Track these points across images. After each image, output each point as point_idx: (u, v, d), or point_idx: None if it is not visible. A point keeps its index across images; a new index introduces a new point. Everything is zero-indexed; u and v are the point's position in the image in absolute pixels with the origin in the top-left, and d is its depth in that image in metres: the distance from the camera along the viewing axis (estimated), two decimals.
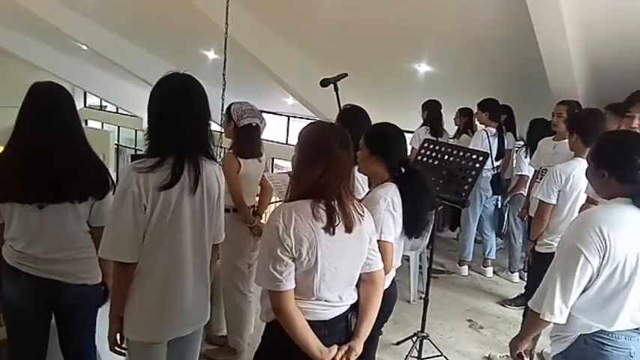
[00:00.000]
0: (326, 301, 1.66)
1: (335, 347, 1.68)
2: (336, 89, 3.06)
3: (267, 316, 1.68)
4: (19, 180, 1.92)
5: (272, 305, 1.62)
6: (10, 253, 2.01)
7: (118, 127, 16.01)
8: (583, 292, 1.78)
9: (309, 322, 1.63)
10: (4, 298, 2.05)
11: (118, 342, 1.86)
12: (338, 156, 1.62)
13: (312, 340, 1.62)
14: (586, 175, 1.97)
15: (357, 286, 1.78)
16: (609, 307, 1.78)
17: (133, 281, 1.80)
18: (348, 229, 1.64)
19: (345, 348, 1.69)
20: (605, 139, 1.99)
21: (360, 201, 1.83)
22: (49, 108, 1.99)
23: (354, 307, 1.77)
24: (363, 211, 1.74)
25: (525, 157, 4.55)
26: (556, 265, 1.81)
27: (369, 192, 2.22)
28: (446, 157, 3.04)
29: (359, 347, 1.73)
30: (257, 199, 3.24)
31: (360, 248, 1.71)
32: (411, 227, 2.17)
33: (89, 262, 2.09)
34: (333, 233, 1.60)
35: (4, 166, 1.95)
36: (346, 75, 3.14)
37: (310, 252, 1.58)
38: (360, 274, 1.76)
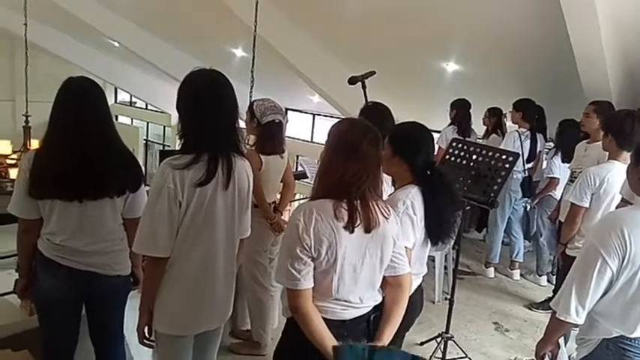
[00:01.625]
0: (345, 301, 1.65)
1: None
2: (363, 87, 3.05)
3: (288, 312, 1.68)
4: (61, 179, 1.96)
5: (289, 303, 1.61)
6: (48, 246, 2.05)
7: (147, 123, 16.28)
8: (604, 295, 1.75)
9: (327, 320, 1.62)
10: (39, 289, 2.10)
11: (147, 335, 1.89)
12: (365, 154, 1.59)
13: (329, 340, 1.60)
14: (627, 172, 1.92)
15: (383, 288, 1.76)
16: (630, 312, 1.74)
17: (165, 275, 1.83)
18: (369, 230, 1.61)
19: None
20: None
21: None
22: (85, 104, 2.01)
23: (378, 309, 1.74)
24: (389, 213, 1.71)
25: (552, 157, 4.46)
26: (575, 266, 1.80)
27: (390, 194, 2.17)
28: (474, 156, 3.00)
29: None
30: (278, 195, 3.26)
31: (383, 250, 1.67)
32: (434, 233, 2.10)
33: (122, 253, 2.15)
34: (352, 232, 1.58)
35: (43, 163, 1.97)
36: (374, 73, 3.12)
37: (330, 252, 1.56)
38: (386, 277, 1.74)
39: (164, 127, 15.60)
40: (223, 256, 1.91)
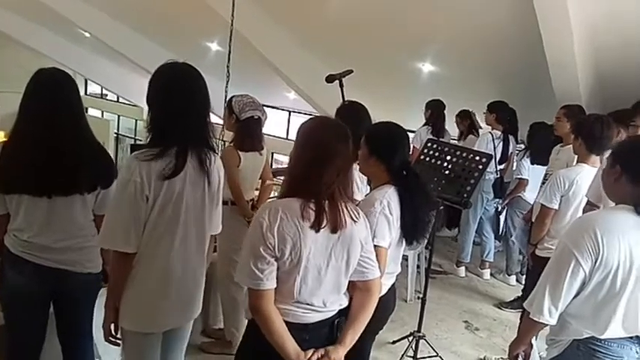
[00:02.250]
0: (308, 304, 1.60)
1: (311, 351, 1.60)
2: (341, 85, 3.05)
3: (248, 314, 1.63)
4: (30, 172, 1.89)
5: (250, 304, 1.56)
6: (15, 243, 1.98)
7: (118, 116, 15.95)
8: (576, 296, 1.77)
9: (289, 323, 1.57)
10: (6, 286, 2.03)
11: (113, 332, 1.85)
12: (334, 153, 1.55)
13: (289, 343, 1.56)
14: (602, 175, 1.93)
15: (350, 292, 1.71)
16: (601, 313, 1.76)
17: (132, 271, 1.79)
18: (336, 231, 1.57)
19: (321, 352, 1.61)
20: (630, 141, 1.99)
21: (357, 204, 1.77)
22: (58, 97, 1.95)
23: (343, 313, 1.70)
24: (358, 215, 1.66)
25: (522, 159, 4.55)
26: (549, 267, 1.82)
27: (367, 194, 2.16)
28: (449, 157, 3.03)
29: (337, 354, 1.63)
30: (256, 193, 3.23)
31: (350, 253, 1.62)
32: (410, 233, 2.10)
33: (94, 250, 2.09)
34: (318, 231, 1.54)
35: (12, 156, 1.90)
36: (352, 71, 3.12)
37: (294, 252, 1.52)
38: (355, 282, 1.69)
39: (136, 120, 15.31)
40: (192, 252, 1.88)
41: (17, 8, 9.09)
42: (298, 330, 1.59)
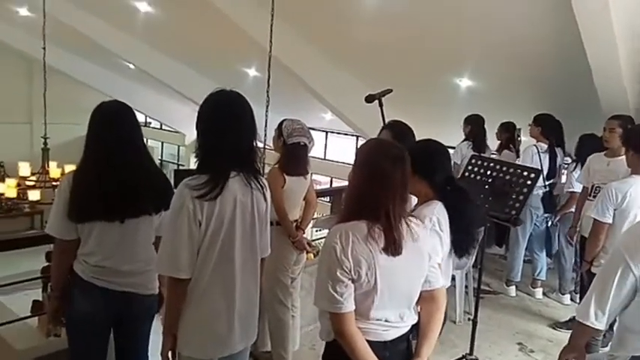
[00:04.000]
0: (386, 321, 1.63)
1: None
2: (380, 105, 3.03)
3: (327, 336, 1.65)
4: (103, 200, 1.98)
5: (333, 327, 1.59)
6: (85, 268, 2.05)
7: (162, 143, 16.46)
8: (630, 305, 1.70)
9: (370, 342, 1.59)
10: (75, 311, 2.09)
11: (170, 358, 1.87)
12: (390, 177, 1.58)
13: None
14: None
15: (417, 304, 1.74)
16: None
17: (188, 296, 1.81)
18: (401, 250, 1.59)
19: None
20: None
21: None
22: (121, 128, 2.06)
23: (415, 328, 1.73)
24: (423, 231, 1.70)
25: (572, 172, 4.39)
26: (600, 271, 1.80)
27: (413, 210, 2.16)
28: (495, 173, 2.96)
29: None
30: (300, 213, 3.25)
31: (419, 266, 1.66)
32: (460, 246, 2.11)
33: (154, 272, 2.15)
34: (391, 254, 1.56)
35: (83, 188, 1.99)
36: (391, 91, 3.11)
37: (369, 273, 1.55)
38: (421, 292, 1.72)
39: (178, 146, 15.76)
40: (246, 275, 1.90)
41: (62, 42, 9.58)
42: (378, 348, 1.62)
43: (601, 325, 1.74)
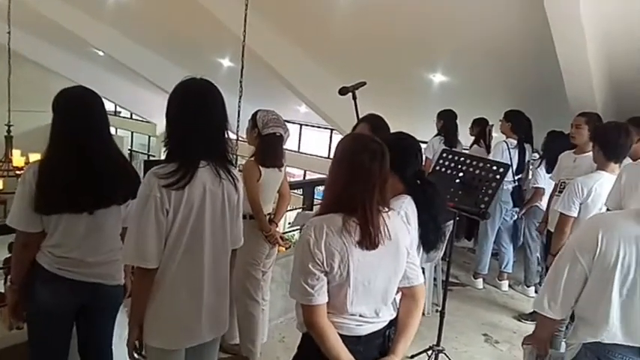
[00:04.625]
0: (360, 316, 1.63)
1: None
2: (354, 97, 3.04)
3: (302, 327, 1.66)
4: (70, 191, 1.92)
5: (304, 319, 1.60)
6: (50, 260, 1.99)
7: (132, 133, 16.15)
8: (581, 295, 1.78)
9: (343, 336, 1.60)
10: (37, 303, 2.02)
11: (137, 348, 1.84)
12: (369, 172, 1.58)
13: (345, 356, 1.58)
14: None
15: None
16: (597, 314, 1.75)
17: (155, 286, 1.78)
18: (378, 244, 1.59)
19: None
20: None
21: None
22: (89, 117, 2.00)
23: (393, 324, 1.73)
24: (402, 225, 1.71)
25: (538, 168, 4.50)
26: (553, 263, 1.87)
27: None
28: (465, 167, 3.00)
29: None
30: (274, 206, 3.23)
31: (396, 262, 1.66)
32: (429, 240, 2.13)
33: (120, 262, 2.11)
34: (366, 248, 1.57)
35: (50, 178, 1.92)
36: (365, 84, 3.11)
37: (342, 266, 1.55)
38: (401, 289, 1.73)
39: (149, 136, 15.50)
40: (215, 265, 1.88)
41: (29, 27, 9.27)
42: (352, 342, 1.62)
43: (554, 314, 1.82)
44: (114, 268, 2.09)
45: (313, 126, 12.19)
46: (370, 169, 1.59)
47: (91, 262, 2.02)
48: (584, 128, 3.70)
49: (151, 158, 14.40)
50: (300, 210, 4.75)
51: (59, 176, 1.92)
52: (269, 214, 3.09)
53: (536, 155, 5.11)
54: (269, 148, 2.93)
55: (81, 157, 1.94)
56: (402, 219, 1.93)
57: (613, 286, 1.70)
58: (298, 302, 1.62)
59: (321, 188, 6.38)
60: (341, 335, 1.60)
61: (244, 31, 4.09)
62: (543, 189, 4.44)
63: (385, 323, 1.70)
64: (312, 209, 4.72)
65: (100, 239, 2.04)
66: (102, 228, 2.03)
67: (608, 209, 2.81)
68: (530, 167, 4.90)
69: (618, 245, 1.68)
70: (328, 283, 1.57)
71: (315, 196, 5.03)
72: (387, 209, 1.66)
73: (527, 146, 4.76)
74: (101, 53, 9.98)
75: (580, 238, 1.80)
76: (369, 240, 1.57)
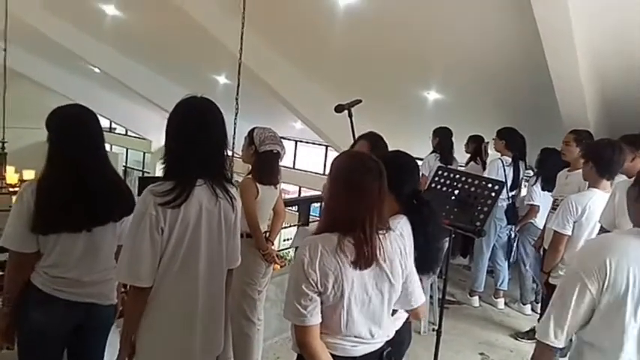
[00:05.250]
0: (355, 337, 1.61)
1: None
2: (350, 115, 3.04)
3: (297, 347, 1.63)
4: (71, 209, 1.91)
5: (296, 340, 1.57)
6: (45, 280, 1.96)
7: (127, 150, 16.13)
8: (589, 322, 1.70)
9: (337, 357, 1.58)
10: (30, 324, 1.98)
11: None
12: (366, 190, 1.56)
13: None
14: (628, 207, 1.87)
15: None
16: (610, 342, 1.68)
17: (148, 305, 1.76)
18: (374, 264, 1.58)
19: None
20: None
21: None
22: (85, 131, 1.99)
23: (390, 344, 1.71)
24: (399, 246, 1.68)
25: (533, 185, 4.51)
26: (557, 290, 1.78)
27: None
28: (460, 184, 3.00)
29: None
30: (269, 224, 3.21)
31: (391, 283, 1.64)
32: (424, 262, 2.04)
33: (114, 281, 2.09)
34: (360, 268, 1.55)
35: (48, 197, 1.90)
36: (360, 101, 3.13)
37: (336, 286, 1.53)
38: (406, 311, 1.74)
39: (144, 153, 15.48)
40: (210, 285, 1.86)
41: (24, 44, 9.31)
42: None
43: (560, 343, 1.73)
44: (108, 287, 2.07)
45: (308, 142, 12.23)
46: (368, 189, 1.57)
47: (86, 282, 1.99)
48: (572, 145, 3.76)
49: (146, 175, 14.35)
50: (296, 227, 4.73)
51: (57, 195, 1.90)
52: (265, 232, 3.07)
53: (530, 172, 5.13)
54: (266, 165, 2.93)
55: (78, 175, 1.93)
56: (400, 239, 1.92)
57: (626, 312, 1.64)
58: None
59: (317, 205, 6.39)
60: (335, 356, 1.58)
61: (241, 48, 4.11)
62: (538, 206, 4.45)
63: (381, 344, 1.68)
64: (308, 225, 4.70)
65: (96, 258, 2.01)
66: (99, 247, 2.01)
67: (602, 227, 2.80)
68: (524, 184, 4.92)
69: (627, 270, 1.62)
70: (322, 303, 1.55)
71: (311, 213, 5.00)
72: (384, 230, 1.64)
73: (521, 163, 4.78)
74: (97, 70, 10.02)
75: (586, 264, 1.68)
76: (364, 260, 1.54)
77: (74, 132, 1.97)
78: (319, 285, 1.52)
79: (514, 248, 4.81)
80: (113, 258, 2.08)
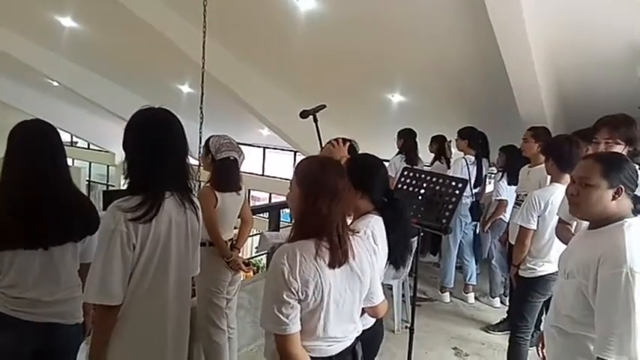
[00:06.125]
0: (330, 337, 1.63)
1: None
2: (315, 120, 3.06)
3: (273, 356, 1.62)
4: (23, 225, 1.85)
5: (278, 349, 1.56)
6: (4, 301, 1.89)
7: (90, 163, 15.76)
8: None
9: (315, 358, 1.60)
10: None
11: None
12: (338, 191, 1.59)
13: None
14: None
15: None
16: None
17: (118, 323, 1.72)
18: (349, 263, 1.61)
19: None
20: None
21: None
22: (43, 148, 1.93)
23: (359, 339, 1.75)
24: (367, 245, 1.73)
25: (500, 181, 4.64)
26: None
27: (350, 224, 2.18)
28: (425, 184, 3.05)
29: None
30: (236, 231, 3.19)
31: (362, 282, 1.67)
32: (399, 257, 2.15)
33: (80, 300, 2.03)
34: (333, 267, 1.57)
35: (3, 211, 1.84)
36: (325, 106, 3.15)
37: (316, 292, 1.54)
38: (364, 309, 1.74)
39: (107, 166, 15.17)
40: (179, 297, 1.84)
41: None
42: None
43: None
44: (73, 306, 2.01)
45: (276, 148, 12.23)
46: (340, 192, 1.59)
47: (49, 302, 1.94)
48: (530, 141, 3.87)
49: (110, 188, 14.04)
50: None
51: (12, 209, 1.84)
52: (230, 239, 3.06)
53: (494, 169, 5.27)
54: (224, 172, 2.92)
55: (36, 191, 1.88)
56: (367, 239, 1.95)
57: None
58: (269, 332, 1.59)
59: (287, 210, 6.38)
60: (313, 357, 1.59)
61: (203, 57, 4.09)
62: (506, 201, 4.57)
63: (352, 340, 1.72)
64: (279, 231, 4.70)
65: (56, 277, 1.95)
66: (57, 266, 1.95)
67: (560, 219, 2.89)
68: (489, 181, 5.04)
69: None
70: (301, 310, 1.55)
71: (282, 219, 5.00)
72: (349, 229, 1.67)
73: (484, 161, 4.91)
74: (55, 83, 9.76)
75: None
76: (338, 258, 1.57)
77: (33, 146, 1.92)
78: (300, 293, 1.52)
79: (485, 244, 4.91)
80: (77, 276, 2.02)
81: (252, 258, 5.59)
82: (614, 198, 1.75)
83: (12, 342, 1.91)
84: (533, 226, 3.09)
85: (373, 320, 2.11)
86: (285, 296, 1.51)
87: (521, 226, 3.13)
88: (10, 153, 1.92)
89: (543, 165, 3.25)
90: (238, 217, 3.14)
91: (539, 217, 3.08)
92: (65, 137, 15.10)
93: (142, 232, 1.68)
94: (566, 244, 2.26)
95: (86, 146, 15.28)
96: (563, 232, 2.68)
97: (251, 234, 3.45)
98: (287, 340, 1.53)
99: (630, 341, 1.57)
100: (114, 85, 9.74)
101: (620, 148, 2.53)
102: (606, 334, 1.61)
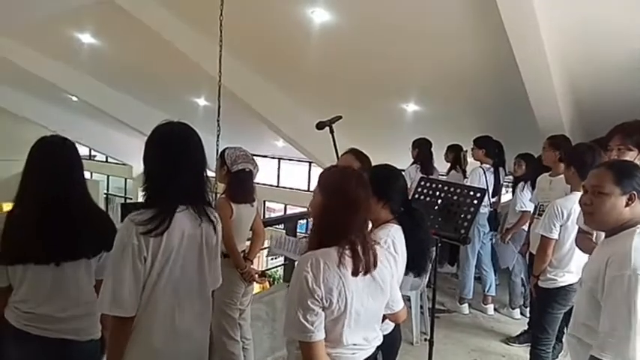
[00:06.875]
0: (354, 345, 1.64)
1: None
2: (331, 131, 3.08)
3: None
4: (37, 240, 1.87)
5: (304, 356, 1.57)
6: (17, 316, 1.92)
7: (108, 177, 15.97)
8: None
9: None
10: None
11: None
12: (360, 201, 1.62)
13: None
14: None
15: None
16: None
17: (132, 335, 1.73)
18: (369, 272, 1.62)
19: None
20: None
21: None
22: (60, 163, 1.96)
23: (380, 348, 1.76)
24: (388, 253, 1.77)
25: (522, 191, 4.56)
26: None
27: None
28: (443, 194, 3.04)
29: None
30: (247, 243, 3.21)
31: (384, 289, 1.69)
32: (418, 265, 2.18)
33: (95, 316, 2.03)
34: (357, 276, 1.59)
35: (16, 225, 1.87)
36: (341, 117, 3.17)
37: (340, 300, 1.56)
38: (385, 315, 1.76)
39: (125, 179, 15.35)
40: (193, 312, 1.83)
41: (2, 78, 9.23)
42: None
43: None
44: (88, 322, 2.01)
45: (292, 160, 12.26)
46: (365, 201, 1.63)
47: (62, 318, 1.94)
48: (549, 150, 3.82)
49: (128, 201, 14.19)
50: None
51: (27, 224, 1.87)
52: (243, 251, 3.07)
53: (511, 177, 5.21)
54: (239, 184, 2.95)
55: (51, 205, 1.90)
56: (387, 249, 1.96)
57: None
58: (291, 340, 1.60)
59: (303, 222, 6.35)
60: None
61: (219, 70, 4.13)
62: (529, 212, 4.48)
63: (374, 348, 1.73)
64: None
65: (69, 293, 1.95)
66: (69, 282, 1.95)
67: (580, 229, 2.84)
68: (505, 190, 4.98)
69: None
70: (325, 318, 1.56)
71: (298, 230, 5.00)
72: (370, 237, 1.70)
73: (500, 170, 4.86)
74: (75, 99, 9.95)
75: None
76: (360, 266, 1.58)
77: (52, 161, 1.95)
78: (324, 300, 1.54)
79: (511, 255, 4.80)
80: (93, 292, 2.01)
81: (267, 270, 5.59)
82: (627, 204, 1.76)
83: (25, 357, 1.92)
84: (556, 236, 3.04)
85: (392, 325, 2.13)
86: (309, 303, 1.52)
87: (542, 236, 3.08)
88: (27, 168, 1.95)
89: None
90: (250, 230, 3.15)
91: (561, 226, 3.04)
92: (83, 151, 15.36)
93: (152, 245, 1.69)
94: (588, 253, 2.23)
95: (104, 160, 15.51)
96: (584, 241, 2.63)
97: (263, 246, 3.45)
98: (312, 347, 1.54)
99: (628, 344, 1.59)
100: (131, 99, 9.90)
101: (632, 155, 2.51)
102: (606, 335, 1.63)
